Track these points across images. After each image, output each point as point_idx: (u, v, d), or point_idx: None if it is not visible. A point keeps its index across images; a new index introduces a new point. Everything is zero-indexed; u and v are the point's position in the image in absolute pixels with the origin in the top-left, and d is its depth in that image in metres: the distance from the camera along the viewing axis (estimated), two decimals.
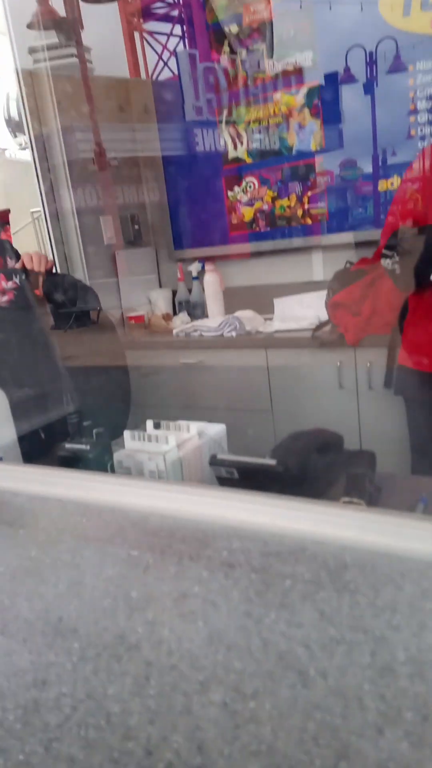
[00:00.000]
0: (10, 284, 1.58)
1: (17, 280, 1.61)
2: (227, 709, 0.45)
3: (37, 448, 1.27)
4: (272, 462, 0.97)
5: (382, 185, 2.48)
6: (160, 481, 0.95)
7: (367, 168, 2.52)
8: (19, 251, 1.97)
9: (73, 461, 1.09)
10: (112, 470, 1.06)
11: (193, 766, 0.41)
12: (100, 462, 1.08)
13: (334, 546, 0.64)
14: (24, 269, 1.70)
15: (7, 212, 2.44)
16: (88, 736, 0.45)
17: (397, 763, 0.40)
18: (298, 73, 2.56)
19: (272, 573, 0.60)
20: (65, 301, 1.85)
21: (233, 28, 2.62)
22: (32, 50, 2.71)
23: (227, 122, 2.75)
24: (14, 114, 3.49)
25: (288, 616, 0.54)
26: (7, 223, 2.43)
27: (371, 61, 2.40)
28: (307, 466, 0.99)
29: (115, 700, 0.47)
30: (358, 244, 2.46)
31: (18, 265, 1.66)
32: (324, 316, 2.20)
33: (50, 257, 1.86)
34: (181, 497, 0.76)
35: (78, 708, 0.47)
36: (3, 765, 0.43)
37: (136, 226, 2.98)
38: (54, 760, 0.43)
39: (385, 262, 1.63)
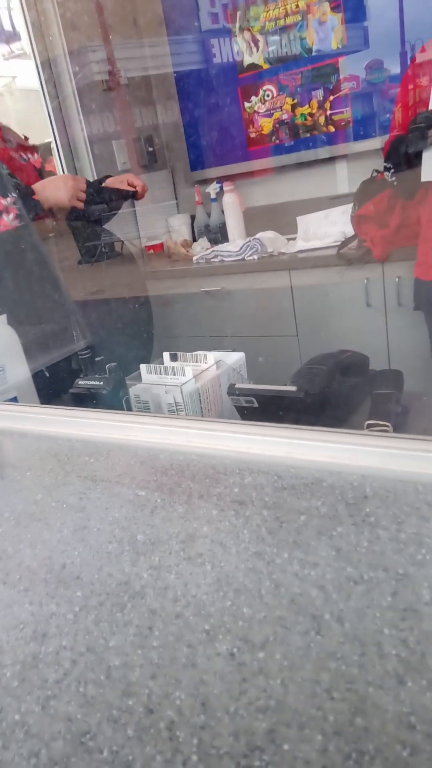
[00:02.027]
0: (9, 200, 1.45)
1: (15, 195, 1.48)
2: (234, 660, 0.42)
3: (54, 386, 1.24)
4: (293, 388, 0.92)
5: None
6: (168, 416, 0.90)
7: (395, 68, 2.31)
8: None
9: (86, 398, 1.06)
10: (128, 405, 1.02)
11: (195, 725, 0.38)
12: (115, 397, 1.04)
13: (354, 476, 0.59)
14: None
15: None
16: (86, 693, 0.42)
17: (420, 717, 0.36)
18: None
19: (286, 509, 0.56)
20: (94, 231, 1.74)
21: None
22: None
23: (241, 27, 2.54)
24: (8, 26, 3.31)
25: (302, 556, 0.50)
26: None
27: None
28: (329, 391, 0.93)
29: (116, 653, 0.44)
30: None
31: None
32: (350, 231, 2.08)
33: None
34: (190, 432, 0.72)
35: (78, 662, 0.44)
36: None
37: (151, 149, 2.84)
38: (51, 719, 0.40)
39: (386, 174, 1.52)
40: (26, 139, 1.71)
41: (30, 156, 1.58)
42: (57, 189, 1.51)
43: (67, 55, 2.52)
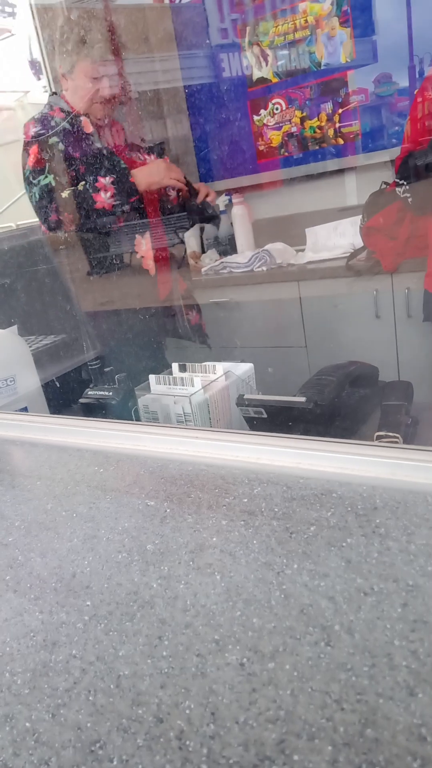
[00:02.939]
0: (108, 180, 1.52)
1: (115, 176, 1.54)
2: (244, 670, 0.42)
3: (64, 396, 1.25)
4: (302, 399, 0.92)
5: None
6: (177, 426, 0.91)
7: (403, 81, 2.33)
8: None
9: (96, 408, 1.06)
10: (137, 415, 1.03)
11: (205, 734, 0.38)
12: (124, 408, 1.04)
13: (363, 487, 0.59)
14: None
15: None
16: (96, 702, 0.42)
17: (431, 729, 0.36)
18: None
19: (295, 519, 0.56)
20: (104, 242, 1.76)
21: None
22: None
23: (250, 42, 2.57)
24: (37, 56, 3.35)
25: (311, 566, 0.50)
26: None
27: None
28: (338, 402, 0.93)
29: (126, 662, 0.45)
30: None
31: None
32: (359, 243, 2.08)
33: None
34: (199, 442, 0.72)
35: (87, 671, 0.44)
36: (9, 732, 0.41)
37: None
38: (60, 728, 0.40)
39: (399, 190, 1.53)
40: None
41: (146, 157, 1.65)
42: (151, 173, 1.63)
43: None
